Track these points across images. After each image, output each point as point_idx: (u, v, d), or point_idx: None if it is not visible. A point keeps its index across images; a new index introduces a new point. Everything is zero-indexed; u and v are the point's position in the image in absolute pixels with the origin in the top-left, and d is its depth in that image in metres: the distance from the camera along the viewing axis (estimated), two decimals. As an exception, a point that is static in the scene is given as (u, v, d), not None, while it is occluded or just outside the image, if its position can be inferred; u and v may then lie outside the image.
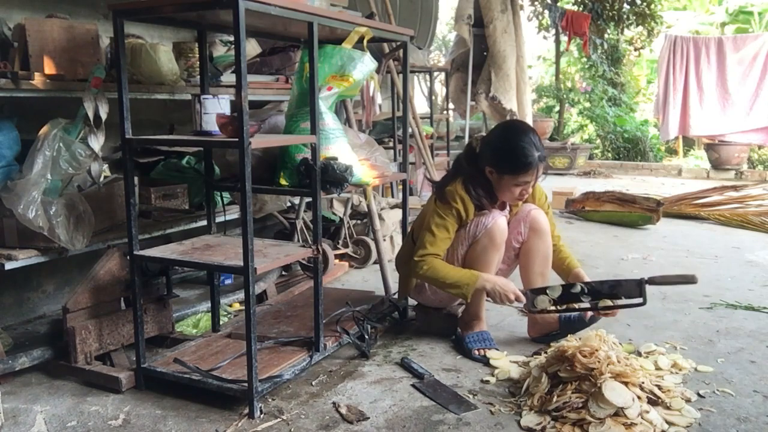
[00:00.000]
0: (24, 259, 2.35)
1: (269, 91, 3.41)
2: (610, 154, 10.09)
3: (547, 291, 2.51)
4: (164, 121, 3.56)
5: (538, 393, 2.09)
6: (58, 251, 2.42)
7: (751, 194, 5.57)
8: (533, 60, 13.07)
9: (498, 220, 2.54)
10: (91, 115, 2.43)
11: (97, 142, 2.46)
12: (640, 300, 2.41)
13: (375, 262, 3.80)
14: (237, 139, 2.01)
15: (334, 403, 2.18)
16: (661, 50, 9.51)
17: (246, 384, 2.10)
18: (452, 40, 8.06)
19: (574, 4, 10.34)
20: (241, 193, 2.04)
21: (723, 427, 1.99)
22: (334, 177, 2.36)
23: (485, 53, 6.57)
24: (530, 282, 2.68)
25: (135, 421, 2.08)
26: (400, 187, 3.91)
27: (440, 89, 10.39)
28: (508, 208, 2.70)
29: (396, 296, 3.00)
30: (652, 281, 2.41)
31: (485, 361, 2.49)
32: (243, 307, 2.97)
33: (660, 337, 2.73)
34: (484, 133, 2.62)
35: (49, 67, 2.52)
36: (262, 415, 2.11)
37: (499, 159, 2.50)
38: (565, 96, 10.44)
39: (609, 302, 2.46)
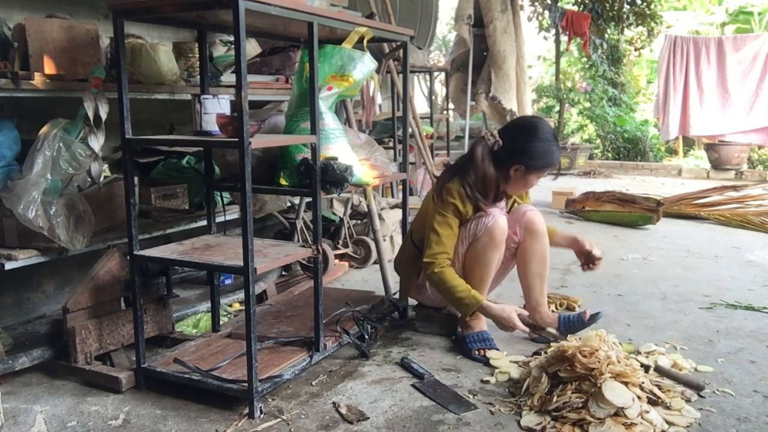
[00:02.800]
0: (24, 259, 2.35)
1: (269, 91, 3.40)
2: (610, 154, 10.08)
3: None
4: (164, 121, 3.56)
5: (538, 393, 2.09)
6: (58, 251, 2.42)
7: (751, 194, 5.56)
8: (533, 60, 13.06)
9: (498, 220, 2.54)
10: (91, 115, 2.43)
11: (97, 142, 2.46)
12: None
13: (375, 262, 3.80)
14: (237, 139, 2.01)
15: (334, 403, 2.18)
16: (661, 50, 9.50)
17: (246, 384, 2.10)
18: (452, 40, 8.06)
19: (574, 4, 10.33)
20: (241, 193, 2.04)
21: (723, 427, 2.00)
22: (334, 177, 2.36)
23: (485, 53, 6.58)
24: (529, 283, 2.71)
25: (135, 421, 2.08)
26: (400, 187, 3.90)
27: (440, 89, 10.40)
28: (503, 202, 2.69)
29: (396, 296, 3.00)
30: None
31: (485, 361, 2.49)
32: (243, 307, 2.97)
33: (660, 337, 2.73)
34: (486, 132, 2.60)
35: (49, 67, 2.52)
36: (262, 415, 2.11)
37: (533, 158, 2.53)
38: (565, 96, 10.42)
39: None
